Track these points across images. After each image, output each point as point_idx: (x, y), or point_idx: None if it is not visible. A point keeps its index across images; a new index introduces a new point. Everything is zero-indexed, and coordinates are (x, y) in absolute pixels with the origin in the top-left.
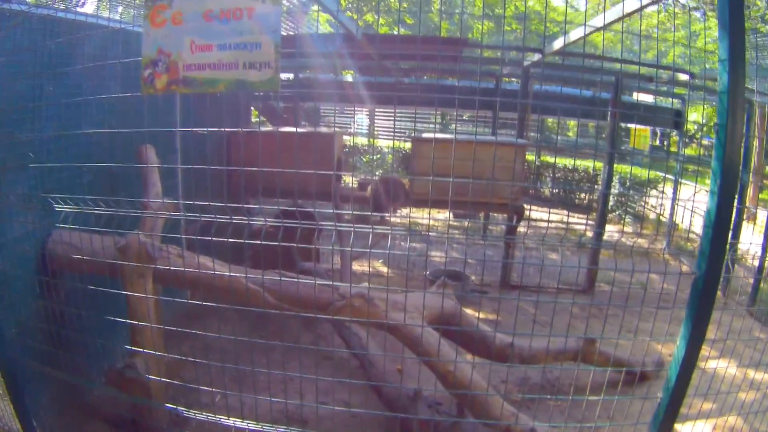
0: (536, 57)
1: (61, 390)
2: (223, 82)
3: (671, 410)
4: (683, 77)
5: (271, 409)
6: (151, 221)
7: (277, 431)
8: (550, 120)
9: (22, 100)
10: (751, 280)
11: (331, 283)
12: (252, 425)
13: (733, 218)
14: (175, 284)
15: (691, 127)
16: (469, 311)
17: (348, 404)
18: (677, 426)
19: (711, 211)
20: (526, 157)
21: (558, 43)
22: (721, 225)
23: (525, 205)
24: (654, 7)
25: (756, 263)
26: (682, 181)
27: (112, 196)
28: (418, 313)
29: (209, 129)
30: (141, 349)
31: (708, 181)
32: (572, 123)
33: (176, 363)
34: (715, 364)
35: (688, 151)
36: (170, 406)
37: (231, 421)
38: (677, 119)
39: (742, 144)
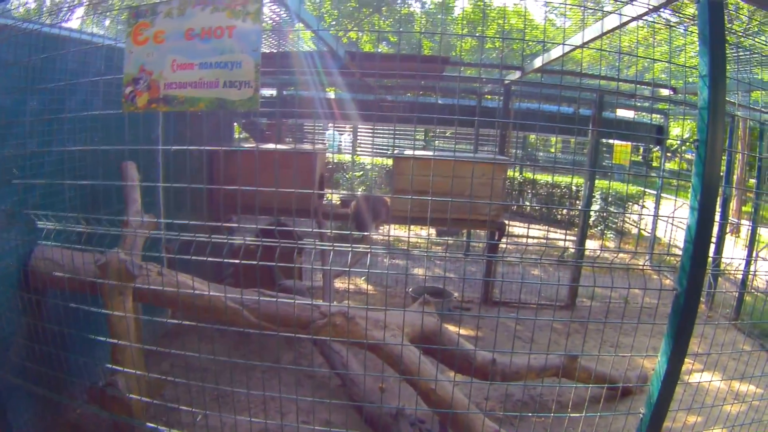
0: (517, 74)
1: (43, 408)
2: (203, 100)
3: (654, 425)
4: (665, 92)
5: (251, 429)
6: (131, 238)
7: None
8: (532, 137)
9: (5, 115)
10: (736, 293)
11: (311, 301)
12: None
13: (715, 232)
14: (154, 302)
15: (673, 142)
16: (451, 328)
17: (329, 423)
18: None
19: (691, 227)
20: (508, 173)
21: (538, 61)
22: (702, 241)
23: (506, 222)
24: (636, 24)
25: (739, 276)
26: (664, 195)
27: (93, 213)
28: (399, 330)
29: (190, 147)
30: (121, 368)
31: (689, 196)
32: (554, 140)
33: (157, 381)
34: (700, 377)
35: (671, 166)
36: (151, 425)
37: None
38: (659, 135)
39: (724, 158)
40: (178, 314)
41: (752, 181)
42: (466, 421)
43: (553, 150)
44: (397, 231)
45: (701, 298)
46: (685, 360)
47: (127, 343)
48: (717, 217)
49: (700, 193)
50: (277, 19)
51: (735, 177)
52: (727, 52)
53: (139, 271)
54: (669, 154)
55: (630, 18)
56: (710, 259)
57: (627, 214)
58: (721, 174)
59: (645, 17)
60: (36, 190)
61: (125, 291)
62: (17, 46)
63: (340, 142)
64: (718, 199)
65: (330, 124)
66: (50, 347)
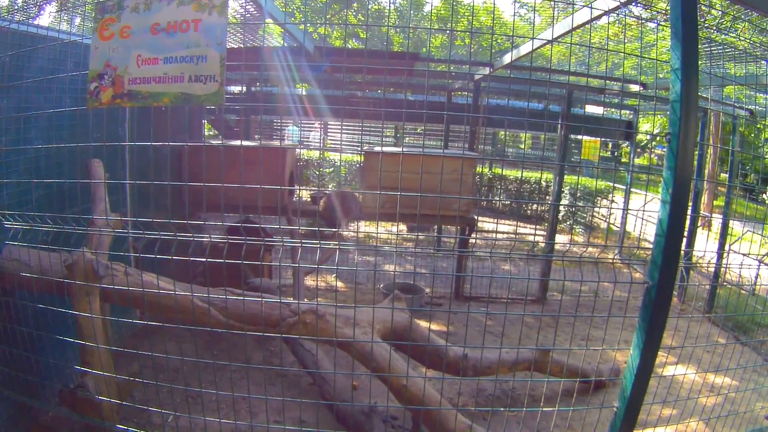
0: (487, 71)
1: (15, 411)
2: (167, 95)
3: (629, 419)
4: (635, 88)
5: (221, 429)
6: (97, 237)
7: None
8: (502, 133)
9: None
10: (708, 286)
11: (279, 299)
12: None
13: (687, 226)
14: (121, 302)
15: (643, 138)
16: (423, 323)
17: (301, 422)
18: None
19: (663, 221)
20: (477, 169)
21: (508, 57)
22: (674, 234)
23: (476, 217)
24: (607, 20)
25: (711, 269)
26: (633, 190)
27: (61, 212)
28: (370, 327)
29: (155, 143)
30: (90, 370)
31: (660, 190)
32: (524, 136)
33: (127, 382)
34: (674, 370)
35: (640, 161)
36: (122, 427)
37: None
38: (628, 130)
39: (696, 152)
40: (146, 314)
41: (723, 175)
42: (439, 416)
43: (523, 146)
44: (367, 227)
45: (674, 291)
46: (659, 353)
47: (95, 345)
48: (689, 211)
49: (672, 186)
50: (246, 14)
51: (707, 171)
52: (700, 47)
53: (106, 270)
54: (639, 150)
55: (601, 12)
56: (682, 253)
57: (596, 209)
58: (693, 168)
59: (616, 13)
60: (3, 190)
61: (92, 291)
62: None
63: (305, 137)
64: (690, 193)
65: (291, 120)
66: (21, 349)
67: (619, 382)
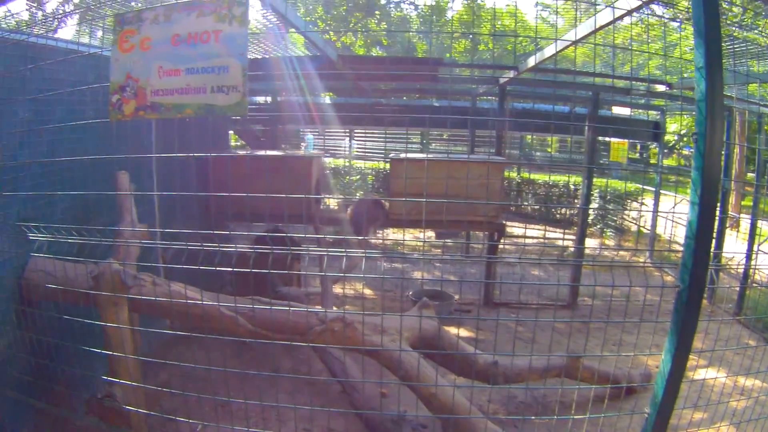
0: (512, 74)
1: (41, 421)
2: (190, 106)
3: (659, 424)
4: (661, 88)
5: None
6: (124, 249)
7: None
8: (530, 137)
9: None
10: (737, 288)
11: (306, 308)
12: None
13: (716, 227)
14: (149, 312)
15: (671, 138)
16: (452, 330)
17: (330, 430)
18: None
19: (692, 223)
20: (505, 174)
21: (532, 60)
22: (704, 236)
23: (505, 222)
24: (629, 20)
25: (740, 271)
26: (663, 191)
27: (87, 223)
28: (398, 335)
29: (180, 155)
30: (118, 380)
31: (689, 191)
32: (551, 139)
33: (155, 392)
34: (704, 373)
35: (669, 162)
36: None
37: None
38: (656, 131)
39: (723, 152)
40: (175, 324)
41: (750, 175)
42: (468, 425)
43: (550, 150)
44: (395, 234)
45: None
46: (690, 356)
47: (123, 354)
48: (717, 212)
49: (700, 187)
50: (268, 24)
51: (734, 171)
52: (722, 45)
53: (133, 281)
54: (666, 151)
55: (624, 12)
56: (711, 254)
57: (626, 212)
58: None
59: (638, 12)
60: (29, 202)
61: (120, 302)
62: (6, 57)
63: (334, 145)
64: (719, 193)
65: (308, 129)
66: (47, 360)
67: (651, 388)
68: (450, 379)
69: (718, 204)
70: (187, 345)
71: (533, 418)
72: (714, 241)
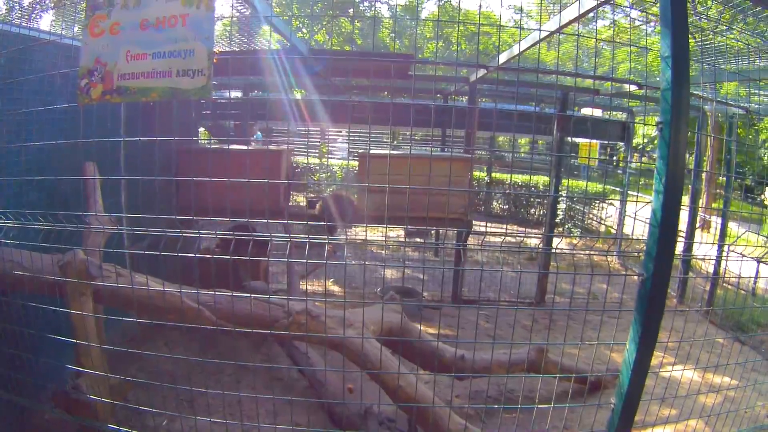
0: (482, 72)
1: (9, 414)
2: (155, 90)
3: (626, 415)
4: (631, 89)
5: (212, 430)
6: (91, 238)
7: None
8: (501, 137)
9: None
10: (705, 283)
11: (268, 297)
12: None
13: (679, 220)
14: (113, 304)
15: (640, 140)
16: (422, 328)
17: (295, 425)
18: None
19: (656, 211)
20: (472, 171)
21: (500, 58)
22: (668, 224)
23: (476, 222)
24: (603, 24)
25: (710, 270)
26: (630, 192)
27: (60, 215)
28: (364, 328)
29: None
30: (84, 369)
31: (654, 179)
32: (523, 140)
33: (123, 386)
34: (673, 370)
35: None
36: (114, 427)
37: None
38: (624, 132)
39: (694, 152)
40: (141, 318)
41: (722, 179)
42: (434, 417)
43: (523, 152)
44: (364, 231)
45: (672, 292)
46: (659, 353)
47: (90, 344)
48: (687, 209)
49: (665, 175)
50: (240, 16)
51: (704, 172)
52: (693, 42)
53: (98, 271)
54: (636, 154)
55: (590, 8)
56: (679, 248)
57: (594, 212)
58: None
59: (605, 8)
60: (4, 191)
61: (86, 292)
62: None
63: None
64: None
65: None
66: (14, 351)
67: (616, 383)
68: (414, 371)
69: (687, 203)
70: (153, 342)
71: (496, 406)
72: (685, 234)
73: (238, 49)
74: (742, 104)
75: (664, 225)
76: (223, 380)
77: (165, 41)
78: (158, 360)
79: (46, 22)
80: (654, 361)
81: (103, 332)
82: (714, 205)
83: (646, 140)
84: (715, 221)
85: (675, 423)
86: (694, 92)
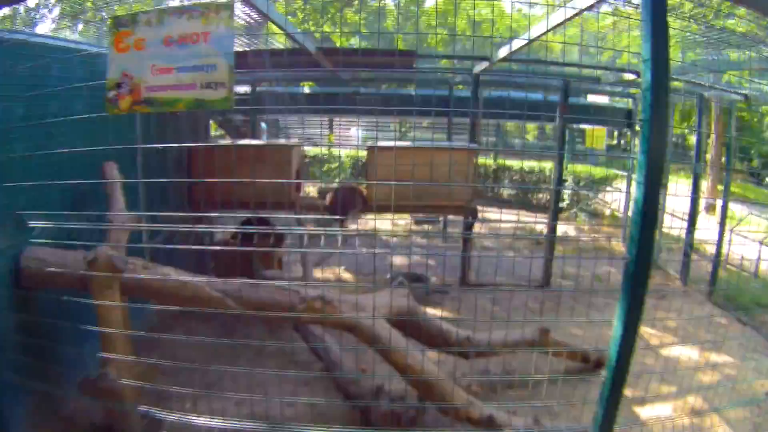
0: (485, 65)
1: (37, 404)
2: (182, 101)
3: (616, 386)
4: (631, 77)
5: (239, 414)
6: (116, 235)
7: (244, 427)
8: (510, 124)
9: None
10: (702, 265)
11: (287, 284)
12: (220, 422)
13: (658, 209)
14: (141, 294)
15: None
16: (431, 311)
17: (312, 405)
18: (637, 408)
19: (638, 200)
20: (478, 160)
21: (504, 51)
22: (649, 212)
23: (484, 207)
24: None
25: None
26: (635, 177)
27: (76, 212)
28: (375, 312)
29: (166, 145)
30: (113, 355)
31: (671, 177)
32: (530, 127)
33: (147, 373)
34: (675, 349)
35: None
36: (143, 408)
37: (201, 420)
38: (628, 119)
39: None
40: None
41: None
42: (442, 392)
43: (530, 137)
44: (375, 220)
45: (676, 274)
46: (661, 333)
47: (117, 330)
48: (689, 194)
49: (645, 168)
50: (250, 21)
51: (709, 156)
52: (698, 34)
53: (125, 264)
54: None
55: (586, 6)
56: (660, 230)
57: (599, 196)
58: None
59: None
60: (24, 193)
61: (113, 284)
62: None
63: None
64: (663, 175)
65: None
66: (42, 344)
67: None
68: (428, 356)
69: (690, 188)
70: (173, 332)
71: (497, 377)
72: (687, 222)
73: (243, 50)
74: (741, 91)
75: (645, 213)
76: (241, 364)
77: (188, 56)
78: (179, 348)
79: (48, 24)
80: (655, 341)
81: (128, 322)
82: (720, 188)
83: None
84: (720, 204)
85: (674, 399)
86: (689, 80)
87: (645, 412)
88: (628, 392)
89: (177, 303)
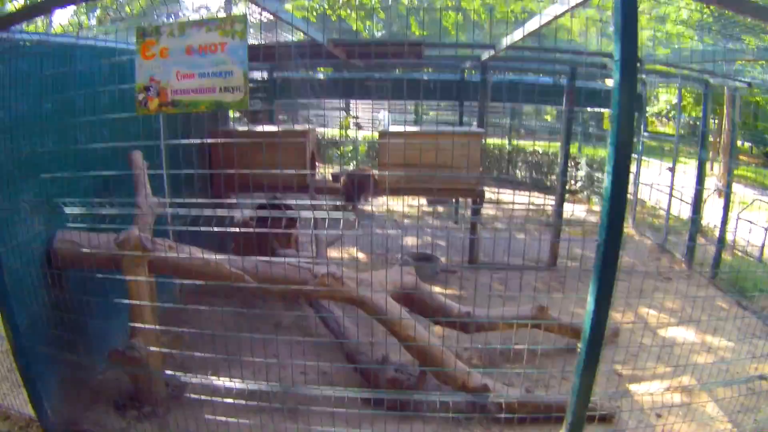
0: (491, 52)
1: (68, 376)
2: (203, 103)
3: (590, 356)
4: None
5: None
6: (143, 218)
7: (261, 388)
8: (528, 107)
9: (25, 118)
10: (700, 247)
11: (298, 261)
12: (239, 383)
13: (626, 198)
14: (167, 272)
15: (663, 107)
16: (438, 290)
17: (323, 373)
18: (631, 386)
19: (607, 189)
20: (486, 142)
21: (509, 39)
22: (617, 200)
23: (496, 189)
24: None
25: (727, 237)
26: (646, 158)
27: (107, 199)
28: (382, 287)
29: (189, 141)
30: (141, 325)
31: (683, 159)
32: (549, 108)
33: (172, 343)
34: (673, 330)
35: (666, 130)
36: (169, 372)
37: (221, 382)
38: (637, 101)
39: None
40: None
41: (746, 144)
42: (441, 362)
43: (548, 117)
44: (388, 202)
45: (681, 257)
46: (659, 314)
47: (146, 303)
48: (693, 181)
49: (613, 160)
50: (264, 20)
51: (722, 140)
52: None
53: (153, 245)
54: (664, 119)
55: None
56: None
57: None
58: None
59: None
60: (55, 181)
61: (141, 263)
62: (28, 56)
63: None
64: (633, 162)
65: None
66: (74, 320)
67: (616, 341)
68: (431, 330)
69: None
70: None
71: (498, 347)
72: (691, 207)
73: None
74: (744, 79)
75: (613, 200)
76: (259, 337)
77: (208, 64)
78: (200, 323)
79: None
80: (653, 321)
81: (156, 297)
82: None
83: (668, 107)
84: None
85: (669, 379)
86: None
87: (639, 388)
88: (623, 370)
89: (200, 279)
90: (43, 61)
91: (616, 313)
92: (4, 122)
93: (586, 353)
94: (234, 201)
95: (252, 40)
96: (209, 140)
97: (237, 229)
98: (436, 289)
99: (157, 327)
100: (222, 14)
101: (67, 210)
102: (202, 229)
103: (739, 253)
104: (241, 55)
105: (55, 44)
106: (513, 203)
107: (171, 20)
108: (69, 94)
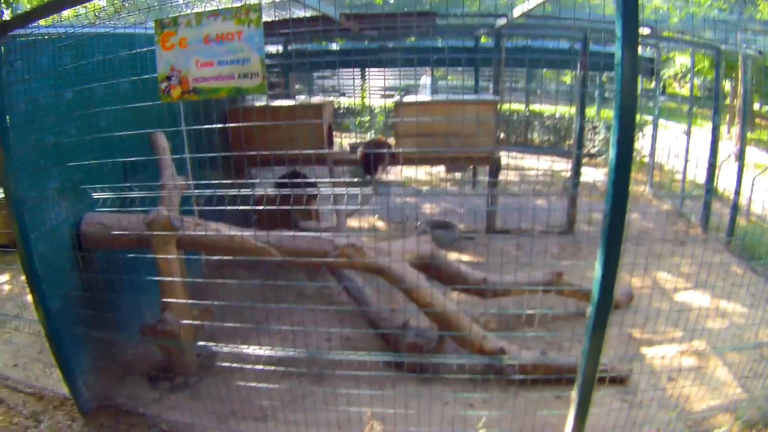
0: (504, 21)
1: (99, 353)
2: (223, 89)
3: (599, 320)
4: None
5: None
6: (168, 198)
7: (288, 354)
8: (548, 72)
9: (46, 109)
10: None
11: (320, 234)
12: (267, 351)
13: (631, 168)
14: (194, 249)
15: (678, 71)
16: (457, 256)
17: (347, 339)
18: (644, 349)
19: (612, 160)
20: (497, 110)
21: (519, 10)
22: (622, 171)
23: (520, 154)
24: None
25: (742, 202)
26: (662, 122)
27: (131, 181)
28: (401, 256)
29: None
30: (172, 300)
31: (699, 121)
32: (567, 72)
33: (201, 316)
34: (687, 294)
35: (684, 93)
36: (198, 344)
37: (250, 350)
38: (650, 65)
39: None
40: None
41: (765, 108)
42: (458, 326)
43: (567, 79)
44: (407, 171)
45: (697, 222)
46: (673, 279)
47: (177, 278)
48: (708, 146)
49: (618, 132)
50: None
51: (737, 103)
52: None
53: (180, 223)
54: (681, 81)
55: None
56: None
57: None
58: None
59: None
60: (80, 167)
61: (170, 241)
62: (46, 48)
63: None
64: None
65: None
66: (105, 299)
67: (634, 304)
68: (451, 298)
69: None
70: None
71: (512, 312)
72: (707, 172)
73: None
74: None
75: (618, 171)
76: (285, 306)
77: (226, 52)
78: (228, 295)
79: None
80: (668, 286)
81: (185, 272)
82: (750, 136)
83: (683, 70)
84: (750, 151)
85: (680, 343)
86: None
87: (652, 352)
88: (638, 334)
89: (227, 254)
90: (62, 53)
91: (633, 277)
92: (29, 114)
93: (594, 317)
94: (256, 181)
95: (266, 17)
96: (230, 125)
97: (260, 207)
98: (453, 255)
99: (188, 301)
100: (237, 2)
101: (96, 195)
102: (226, 208)
103: (754, 219)
104: (257, 42)
105: (75, 35)
106: (530, 169)
107: (188, 11)
108: (90, 84)
